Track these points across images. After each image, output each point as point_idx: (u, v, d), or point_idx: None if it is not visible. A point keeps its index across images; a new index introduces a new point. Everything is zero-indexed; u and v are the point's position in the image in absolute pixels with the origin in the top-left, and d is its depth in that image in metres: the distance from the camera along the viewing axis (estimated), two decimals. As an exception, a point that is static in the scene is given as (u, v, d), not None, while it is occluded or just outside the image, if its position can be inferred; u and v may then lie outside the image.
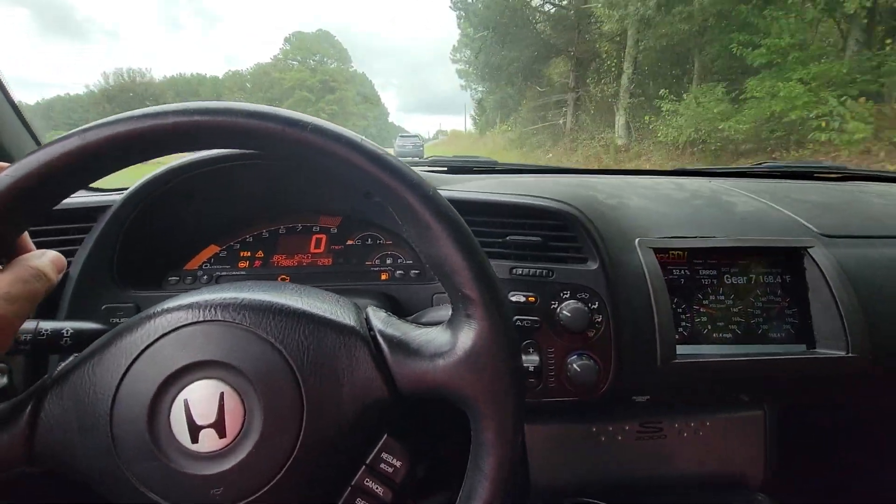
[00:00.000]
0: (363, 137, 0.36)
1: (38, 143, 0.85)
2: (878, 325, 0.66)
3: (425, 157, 1.34)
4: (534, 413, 0.69)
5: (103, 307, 0.62)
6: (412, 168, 0.37)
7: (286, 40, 64.20)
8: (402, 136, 22.99)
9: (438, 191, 0.37)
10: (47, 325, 0.45)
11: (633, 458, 0.70)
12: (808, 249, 0.69)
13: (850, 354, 0.63)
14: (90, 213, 0.63)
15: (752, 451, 0.73)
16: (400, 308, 0.68)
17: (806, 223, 0.75)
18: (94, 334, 0.46)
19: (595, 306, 0.62)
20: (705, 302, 0.69)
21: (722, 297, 0.70)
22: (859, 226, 0.77)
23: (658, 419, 0.71)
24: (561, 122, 15.58)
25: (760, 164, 1.17)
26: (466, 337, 0.37)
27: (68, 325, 0.46)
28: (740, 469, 0.73)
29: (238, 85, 62.17)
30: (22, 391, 0.37)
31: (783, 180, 1.06)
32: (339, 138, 0.35)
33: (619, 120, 12.24)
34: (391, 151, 0.39)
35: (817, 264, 0.68)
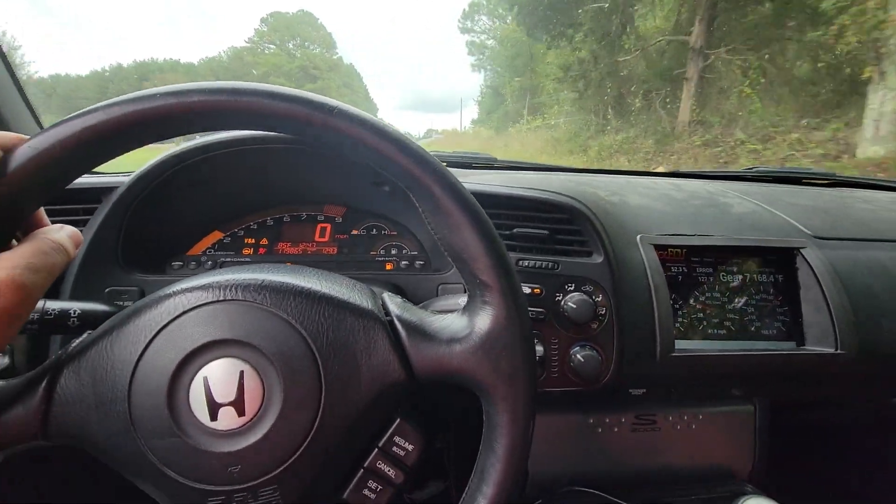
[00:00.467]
0: (387, 122, 0.37)
1: (38, 122, 0.83)
2: (865, 324, 0.69)
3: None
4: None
5: (107, 290, 0.61)
6: (435, 156, 0.37)
7: (263, 21, 57.68)
8: None
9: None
10: (54, 305, 0.45)
11: (627, 450, 0.72)
12: (801, 250, 0.71)
13: (838, 351, 0.66)
14: (96, 194, 0.63)
15: (742, 445, 0.75)
16: (406, 298, 0.68)
17: (798, 225, 0.78)
18: (101, 316, 0.46)
19: (599, 299, 0.63)
20: (702, 298, 0.71)
21: (718, 294, 0.72)
22: (848, 229, 0.79)
23: (652, 412, 0.72)
24: (662, 111, 9.25)
25: (752, 168, 1.20)
26: (483, 322, 0.37)
27: (76, 306, 0.45)
28: (730, 462, 0.75)
29: (214, 72, 56.94)
30: (24, 371, 0.37)
31: (774, 184, 1.09)
32: (364, 123, 0.35)
33: (873, 105, 5.93)
34: None
35: (809, 264, 0.70)
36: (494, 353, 0.37)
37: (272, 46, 57.17)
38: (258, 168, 0.70)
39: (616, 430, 0.71)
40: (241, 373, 0.35)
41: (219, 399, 0.34)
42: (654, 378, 0.67)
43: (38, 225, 0.37)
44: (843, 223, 0.82)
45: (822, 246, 0.74)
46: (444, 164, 1.05)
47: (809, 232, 0.76)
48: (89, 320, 0.45)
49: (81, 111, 0.32)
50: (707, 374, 0.69)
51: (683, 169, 1.20)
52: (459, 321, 0.39)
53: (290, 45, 57.93)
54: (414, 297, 0.68)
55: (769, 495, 0.66)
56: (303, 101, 0.35)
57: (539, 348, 0.62)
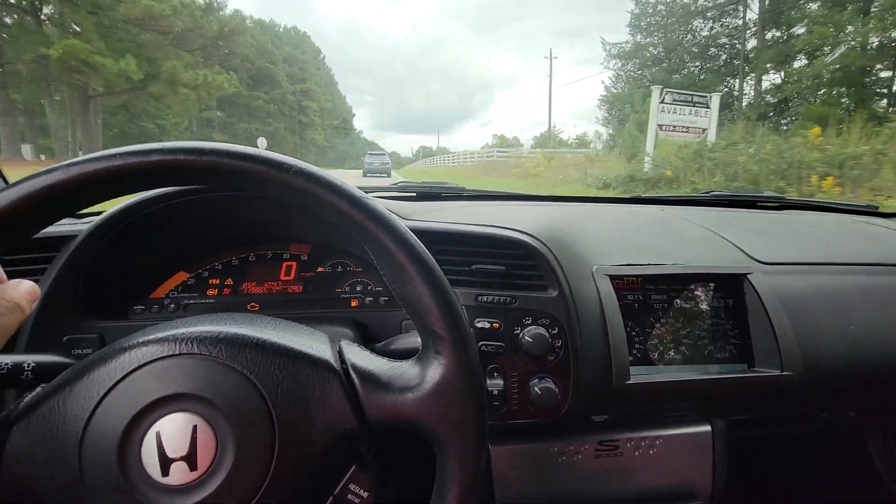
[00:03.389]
0: (343, 181, 0.39)
1: (4, 179, 0.83)
2: (808, 345, 0.72)
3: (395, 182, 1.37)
4: (498, 435, 0.71)
5: (65, 338, 0.61)
6: (388, 210, 0.39)
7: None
8: (370, 154, 24.20)
9: (410, 230, 0.40)
10: (6, 359, 0.44)
11: (592, 475, 0.74)
12: (748, 276, 0.75)
13: (784, 373, 0.69)
14: (54, 244, 0.63)
15: (702, 465, 0.77)
16: (369, 334, 0.69)
17: (746, 251, 0.82)
18: (57, 367, 0.45)
19: (555, 332, 0.65)
20: (657, 325, 0.74)
21: (672, 321, 0.75)
22: (792, 254, 0.84)
23: (615, 437, 0.74)
24: None
25: (709, 192, 1.26)
26: (434, 372, 0.39)
27: (29, 359, 0.45)
28: (691, 482, 0.77)
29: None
30: None
31: (728, 208, 1.14)
32: (320, 181, 0.37)
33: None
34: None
35: (755, 289, 0.74)
36: (445, 402, 0.39)
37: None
38: (222, 209, 0.71)
39: (580, 457, 0.73)
40: (195, 427, 0.35)
41: (171, 454, 0.35)
42: (612, 406, 0.69)
43: None
44: (788, 248, 0.87)
45: (767, 272, 0.78)
46: (415, 194, 1.06)
47: (756, 258, 0.81)
48: (44, 373, 0.45)
49: (42, 171, 0.34)
50: (663, 400, 0.71)
51: (642, 195, 1.25)
52: (412, 370, 0.41)
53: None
54: (378, 333, 0.69)
55: None
56: (261, 161, 0.36)
57: (499, 382, 0.64)
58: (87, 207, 0.38)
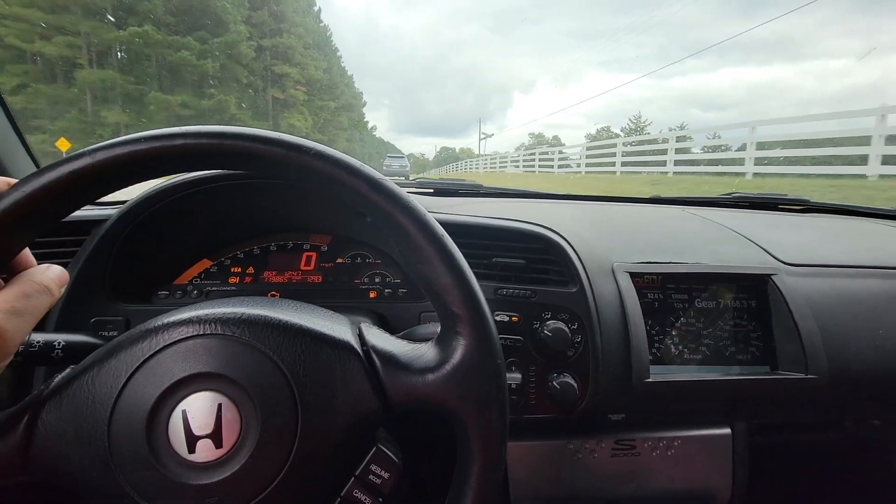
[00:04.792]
0: (362, 163, 0.39)
1: (34, 160, 0.85)
2: (835, 348, 0.71)
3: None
4: (514, 430, 0.70)
5: (93, 320, 0.62)
6: (407, 192, 0.39)
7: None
8: (390, 157, 24.46)
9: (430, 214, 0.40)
10: (39, 337, 0.46)
11: (607, 474, 0.73)
12: (772, 277, 0.74)
13: (808, 376, 0.68)
14: (84, 227, 0.64)
15: (720, 469, 0.76)
16: (388, 326, 0.70)
17: (771, 252, 0.80)
18: (85, 347, 0.47)
19: (575, 327, 0.65)
20: (677, 325, 0.73)
21: (693, 321, 0.74)
22: (818, 257, 0.82)
23: (632, 437, 0.73)
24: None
25: (730, 193, 1.24)
26: (455, 353, 0.39)
27: (60, 338, 0.46)
28: (709, 485, 0.76)
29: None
30: (5, 403, 0.38)
31: (750, 210, 1.12)
32: (339, 163, 0.38)
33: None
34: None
35: (780, 291, 0.72)
36: (465, 382, 0.39)
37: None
38: (245, 199, 0.72)
39: (596, 455, 0.72)
40: (220, 405, 0.36)
41: (197, 432, 0.35)
42: (630, 404, 0.68)
43: (24, 266, 0.38)
44: (813, 250, 0.85)
45: (792, 273, 0.76)
46: (432, 190, 1.07)
47: (781, 259, 0.79)
48: (73, 352, 0.46)
49: (70, 156, 0.34)
50: (682, 400, 0.70)
51: (662, 195, 1.24)
52: (432, 351, 0.41)
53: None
54: (396, 325, 0.69)
55: None
56: (281, 144, 0.37)
57: (517, 375, 0.64)
58: (111, 192, 0.38)
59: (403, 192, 0.39)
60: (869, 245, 0.92)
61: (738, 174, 8.76)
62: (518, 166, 21.80)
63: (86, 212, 0.67)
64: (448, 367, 0.39)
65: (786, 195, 1.21)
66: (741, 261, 0.77)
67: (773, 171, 8.66)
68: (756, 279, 0.75)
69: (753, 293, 0.75)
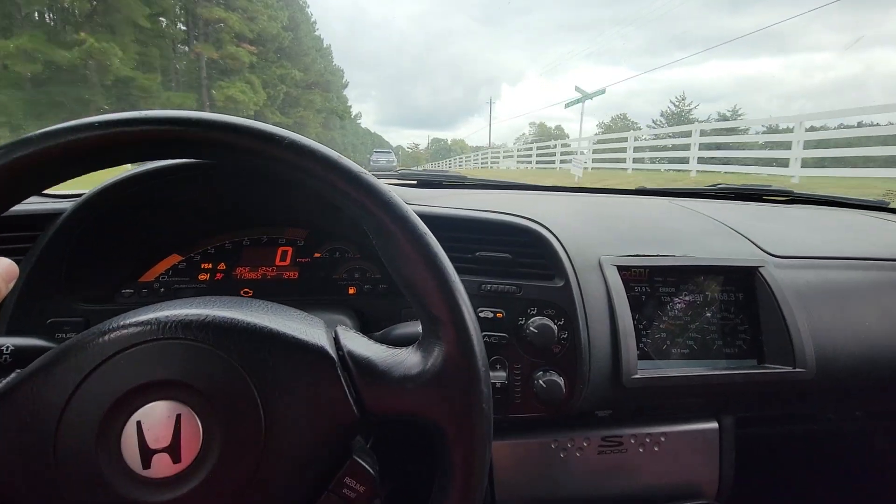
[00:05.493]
0: (340, 154, 0.37)
1: None
2: (822, 341, 0.70)
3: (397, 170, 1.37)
4: (499, 429, 0.69)
5: (48, 321, 0.58)
6: (387, 187, 0.37)
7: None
8: (377, 152, 24.15)
9: (412, 209, 0.37)
10: None
11: (594, 472, 0.72)
12: (759, 269, 0.73)
13: (796, 369, 0.67)
14: (38, 222, 0.60)
15: (707, 463, 0.75)
16: (367, 323, 0.67)
17: (757, 244, 0.79)
18: (37, 352, 0.43)
19: (561, 323, 0.63)
20: (665, 318, 0.72)
21: (680, 314, 0.72)
22: (805, 248, 0.82)
23: (618, 433, 0.72)
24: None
25: (715, 185, 1.24)
26: (435, 360, 0.37)
27: (8, 342, 0.43)
28: (696, 480, 0.75)
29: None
30: None
31: (736, 202, 1.12)
32: (315, 155, 0.35)
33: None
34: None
35: (767, 283, 0.71)
36: (447, 392, 0.36)
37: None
38: (217, 189, 0.68)
39: (583, 452, 0.71)
40: (178, 416, 0.33)
41: (152, 445, 0.32)
42: (617, 401, 0.67)
43: None
44: (800, 242, 0.84)
45: (779, 265, 0.75)
46: (416, 181, 1.03)
47: (768, 251, 0.78)
48: (24, 357, 0.43)
49: (16, 140, 0.31)
50: (670, 395, 0.69)
51: (648, 187, 1.23)
52: (412, 357, 0.38)
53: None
54: (376, 321, 0.67)
55: None
56: (251, 132, 0.34)
57: (502, 374, 0.62)
58: (62, 182, 0.35)
59: (384, 185, 0.37)
60: (854, 236, 0.92)
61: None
62: (529, 162, 18.81)
63: (38, 205, 0.62)
64: (428, 374, 0.36)
65: (770, 186, 1.21)
66: (729, 253, 0.76)
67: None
68: (743, 271, 0.74)
69: (741, 286, 0.74)
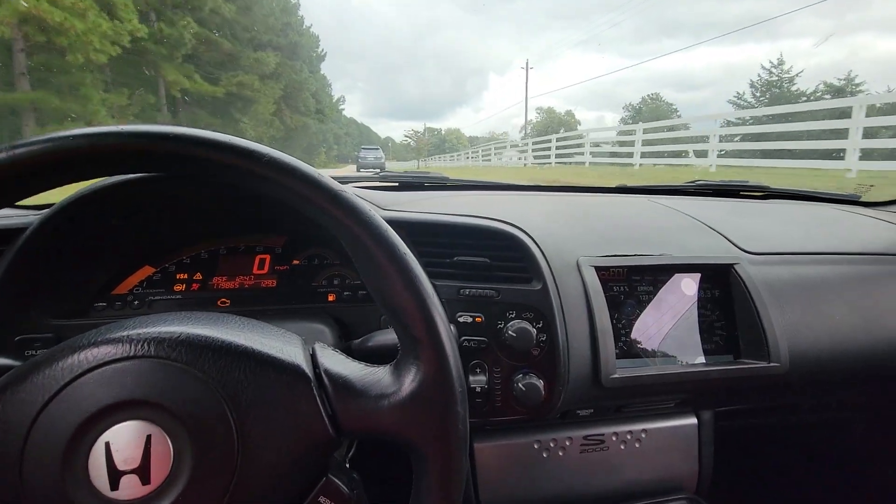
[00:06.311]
0: (320, 172, 0.36)
1: None
2: (795, 336, 0.72)
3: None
4: (481, 431, 0.69)
5: (17, 339, 0.57)
6: (367, 205, 0.37)
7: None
8: (364, 148, 23.79)
9: (390, 224, 0.37)
10: None
11: (577, 471, 0.72)
12: (734, 266, 0.74)
13: (770, 364, 0.69)
14: (3, 236, 0.58)
15: (687, 457, 0.77)
16: (347, 330, 0.67)
17: (733, 241, 0.81)
18: (3, 371, 0.42)
19: (540, 325, 0.63)
20: (643, 317, 0.72)
21: (658, 312, 0.73)
22: (778, 244, 0.83)
23: (600, 431, 0.73)
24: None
25: (694, 181, 1.25)
26: (412, 379, 0.37)
27: None
28: (676, 474, 0.77)
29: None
30: None
31: (714, 198, 1.14)
32: (295, 172, 0.35)
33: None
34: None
35: (742, 280, 0.73)
36: (423, 412, 0.36)
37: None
38: (191, 198, 0.67)
39: (565, 451, 0.72)
40: (149, 437, 0.33)
41: (121, 466, 0.32)
42: (597, 401, 0.68)
43: None
44: (775, 238, 0.86)
45: (753, 262, 0.77)
46: (397, 184, 1.02)
47: (743, 248, 0.80)
48: None
49: None
50: (649, 393, 0.70)
51: (628, 185, 1.24)
52: (389, 376, 0.38)
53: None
54: (356, 328, 0.66)
55: None
56: (230, 149, 0.34)
57: (482, 378, 0.62)
58: (33, 195, 0.34)
59: (363, 204, 0.36)
60: (826, 231, 0.94)
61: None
62: (547, 156, 15.49)
63: (5, 220, 0.61)
64: (405, 394, 0.36)
65: (747, 182, 1.23)
66: (705, 250, 0.77)
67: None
68: (719, 269, 0.75)
69: (717, 283, 0.76)
